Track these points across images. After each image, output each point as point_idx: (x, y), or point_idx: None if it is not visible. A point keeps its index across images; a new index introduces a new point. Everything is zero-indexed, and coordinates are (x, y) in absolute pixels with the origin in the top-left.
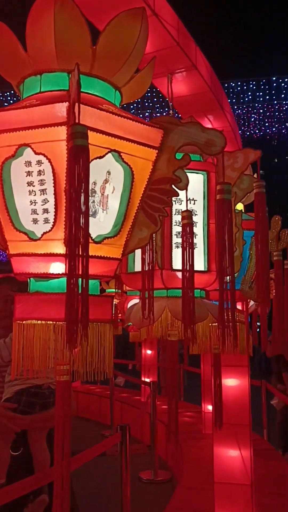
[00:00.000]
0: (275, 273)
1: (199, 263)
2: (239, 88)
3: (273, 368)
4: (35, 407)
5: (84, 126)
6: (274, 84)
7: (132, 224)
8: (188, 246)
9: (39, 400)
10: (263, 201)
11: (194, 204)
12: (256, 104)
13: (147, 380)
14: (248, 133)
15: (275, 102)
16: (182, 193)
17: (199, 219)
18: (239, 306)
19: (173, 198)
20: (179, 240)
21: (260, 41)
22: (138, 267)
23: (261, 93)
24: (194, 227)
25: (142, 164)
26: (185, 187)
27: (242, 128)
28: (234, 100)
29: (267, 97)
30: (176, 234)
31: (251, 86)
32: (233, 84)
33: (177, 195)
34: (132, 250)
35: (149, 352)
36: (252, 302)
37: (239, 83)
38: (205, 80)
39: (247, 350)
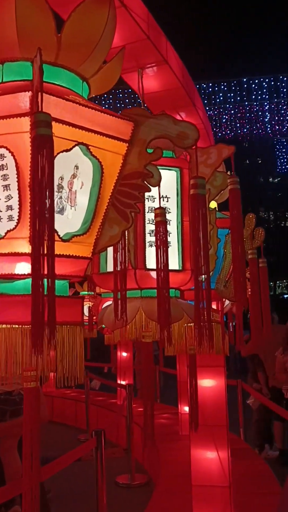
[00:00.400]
0: (250, 272)
1: (173, 262)
2: (210, 89)
3: (248, 368)
4: (6, 415)
5: (47, 114)
6: (245, 86)
7: (102, 221)
8: (162, 244)
9: (9, 407)
10: (238, 197)
11: (167, 201)
12: (228, 105)
13: (123, 382)
14: (220, 134)
15: (246, 103)
16: (154, 190)
17: (172, 216)
18: (214, 306)
19: (146, 196)
20: (153, 238)
21: (231, 42)
22: (110, 267)
23: (232, 94)
24: (168, 225)
25: (112, 158)
26: (157, 184)
27: (214, 129)
28: (205, 101)
29: (238, 98)
30: (149, 233)
31: (222, 87)
32: (204, 85)
33: (149, 190)
34: (103, 249)
35: (124, 354)
36: (227, 302)
37: (210, 84)
38: (176, 75)
39: (223, 350)
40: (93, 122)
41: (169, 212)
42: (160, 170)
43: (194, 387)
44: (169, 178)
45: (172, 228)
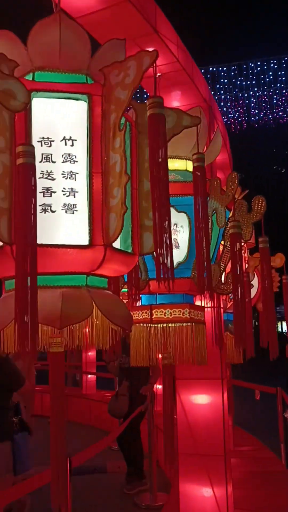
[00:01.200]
0: (231, 251)
1: (81, 235)
2: (259, 69)
3: None
4: None
5: None
6: None
7: None
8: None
9: None
10: (159, 124)
11: (72, 145)
12: (279, 85)
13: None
14: (271, 116)
15: None
16: (61, 131)
17: (79, 168)
18: (202, 303)
19: (38, 138)
20: (47, 200)
21: (281, 17)
22: None
23: (283, 72)
24: (73, 181)
25: None
26: (21, 109)
27: (264, 111)
28: (254, 82)
29: None
30: (43, 191)
31: (272, 65)
32: (252, 64)
33: None
34: None
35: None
36: (231, 296)
37: (259, 63)
38: None
39: (223, 358)
40: None
41: (75, 162)
42: (62, 101)
43: (170, 408)
44: (75, 111)
45: (79, 184)
